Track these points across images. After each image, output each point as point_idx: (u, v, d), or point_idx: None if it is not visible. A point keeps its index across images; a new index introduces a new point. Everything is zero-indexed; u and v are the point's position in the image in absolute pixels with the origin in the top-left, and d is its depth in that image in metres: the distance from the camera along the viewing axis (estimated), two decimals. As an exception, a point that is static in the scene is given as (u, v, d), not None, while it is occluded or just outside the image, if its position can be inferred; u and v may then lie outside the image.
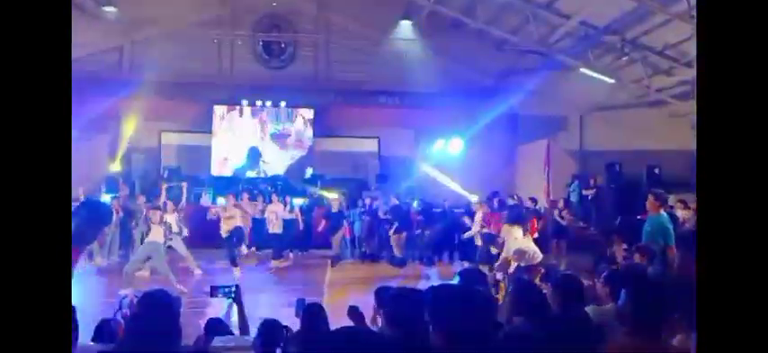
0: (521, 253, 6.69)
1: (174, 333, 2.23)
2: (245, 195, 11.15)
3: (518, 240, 6.93)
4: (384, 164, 14.23)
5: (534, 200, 11.14)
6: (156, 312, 2.22)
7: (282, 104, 14.13)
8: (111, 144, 13.31)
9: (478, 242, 9.60)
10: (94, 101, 12.15)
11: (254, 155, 14.00)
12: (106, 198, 10.63)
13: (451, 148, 13.71)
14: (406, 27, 13.39)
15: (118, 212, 9.59)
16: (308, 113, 14.29)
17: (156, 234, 7.69)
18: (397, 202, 11.24)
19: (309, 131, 14.32)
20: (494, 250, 7.73)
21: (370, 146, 14.75)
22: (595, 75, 11.94)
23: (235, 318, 4.76)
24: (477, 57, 13.57)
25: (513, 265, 6.56)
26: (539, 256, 6.79)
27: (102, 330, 3.36)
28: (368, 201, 11.71)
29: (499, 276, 6.76)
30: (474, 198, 11.31)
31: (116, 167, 12.84)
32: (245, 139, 14.13)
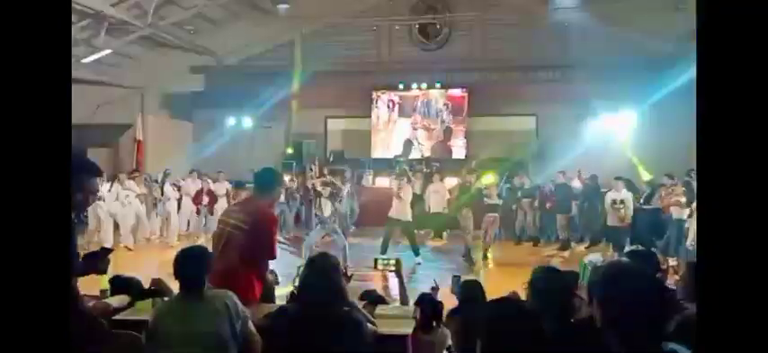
0: None
1: (338, 293, 2.43)
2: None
3: None
4: (543, 142, 13.64)
5: None
6: (321, 274, 2.44)
7: (438, 85, 14.34)
8: (285, 131, 14.74)
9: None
10: (269, 92, 13.55)
11: (408, 143, 14.40)
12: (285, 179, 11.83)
13: (621, 124, 12.62)
14: (565, -5, 12.55)
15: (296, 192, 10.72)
16: (464, 93, 14.29)
17: (327, 209, 8.30)
18: (560, 181, 10.75)
19: (465, 111, 14.31)
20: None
21: (527, 124, 14.24)
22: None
23: (395, 290, 5.03)
24: (650, 19, 12.20)
25: None
26: None
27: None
28: (521, 180, 11.33)
29: (672, 261, 6.15)
30: (646, 176, 10.34)
31: (289, 151, 14.18)
32: (401, 122, 14.62)
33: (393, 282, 5.48)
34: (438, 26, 14.52)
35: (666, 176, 9.21)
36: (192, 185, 11.36)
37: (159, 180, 11.06)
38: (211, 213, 11.08)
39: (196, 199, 11.34)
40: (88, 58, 12.52)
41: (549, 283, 2.22)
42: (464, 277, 3.87)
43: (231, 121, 14.11)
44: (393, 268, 4.63)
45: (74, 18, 11.42)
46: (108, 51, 12.64)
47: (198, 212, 11.39)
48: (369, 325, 2.66)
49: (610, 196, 9.29)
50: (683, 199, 8.08)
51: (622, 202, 9.13)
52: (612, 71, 12.11)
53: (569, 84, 12.94)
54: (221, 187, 11.45)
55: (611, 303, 1.54)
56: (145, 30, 12.20)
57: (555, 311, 2.07)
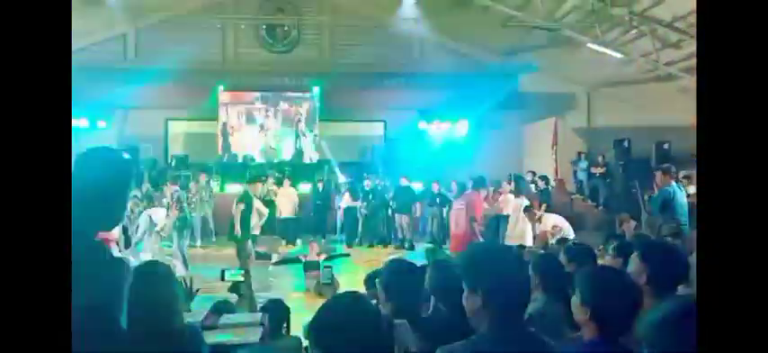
0: (558, 228, 7.00)
1: (172, 303, 2.19)
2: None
3: (551, 217, 7.32)
4: (390, 147, 14.17)
5: (545, 179, 11.05)
6: (152, 284, 2.19)
7: (287, 90, 14.11)
8: (118, 134, 13.32)
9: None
10: (100, 90, 12.16)
11: (270, 149, 13.99)
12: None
13: (457, 129, 13.62)
14: (409, 6, 13.25)
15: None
16: (313, 97, 14.26)
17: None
18: (404, 184, 11.20)
19: (315, 116, 14.28)
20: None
21: (375, 129, 14.70)
22: (603, 50, 11.78)
23: (244, 300, 4.82)
24: (482, 34, 13.41)
25: (550, 239, 6.73)
26: (572, 231, 7.03)
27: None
28: (368, 183, 11.63)
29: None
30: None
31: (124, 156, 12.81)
32: (250, 126, 14.14)
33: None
34: (286, 28, 14.31)
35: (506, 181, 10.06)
36: None
37: None
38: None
39: None
40: None
41: (396, 274, 2.22)
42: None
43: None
44: (242, 280, 4.47)
45: None
46: None
47: None
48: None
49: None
50: (511, 197, 8.88)
51: None
52: (449, 80, 13.08)
53: (413, 91, 13.64)
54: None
55: (488, 286, 1.56)
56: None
57: (403, 303, 2.09)
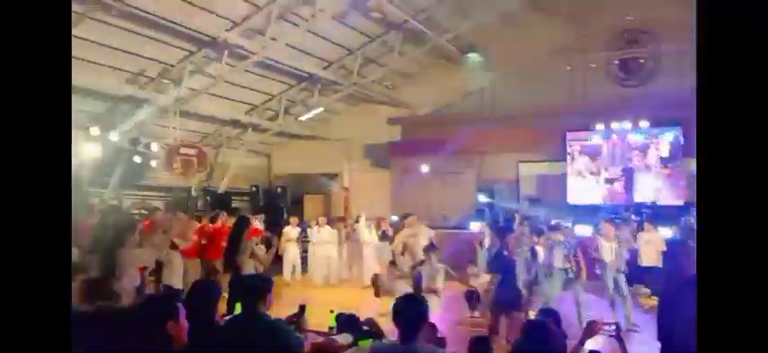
0: None
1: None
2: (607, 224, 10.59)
3: None
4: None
5: None
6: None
7: (643, 123, 13.06)
8: (476, 177, 14.76)
9: None
10: (462, 139, 13.76)
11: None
12: (475, 226, 11.79)
13: None
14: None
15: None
16: (674, 131, 12.80)
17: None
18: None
19: (675, 153, 12.78)
20: None
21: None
22: None
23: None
24: None
25: None
26: None
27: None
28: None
29: None
30: None
31: (481, 198, 14.11)
32: (600, 164, 13.64)
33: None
34: (641, 60, 13.36)
35: None
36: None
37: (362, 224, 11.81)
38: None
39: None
40: (304, 116, 14.33)
41: None
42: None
43: (424, 167, 14.68)
44: (613, 334, 4.31)
45: (292, 81, 13.22)
46: (320, 109, 14.29)
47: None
48: None
49: None
50: None
51: None
52: None
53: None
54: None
55: None
56: (350, 88, 13.54)
57: None
